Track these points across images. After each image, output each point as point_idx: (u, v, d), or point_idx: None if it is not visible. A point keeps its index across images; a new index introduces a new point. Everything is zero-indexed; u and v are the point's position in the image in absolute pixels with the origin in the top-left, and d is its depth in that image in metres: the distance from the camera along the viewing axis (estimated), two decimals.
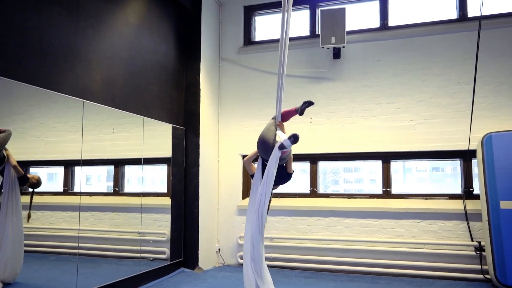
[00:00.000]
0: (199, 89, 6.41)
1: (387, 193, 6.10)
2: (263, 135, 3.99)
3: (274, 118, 4.22)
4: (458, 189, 5.88)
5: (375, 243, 5.91)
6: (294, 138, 3.60)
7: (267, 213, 4.04)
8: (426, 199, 5.88)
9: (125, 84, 5.23)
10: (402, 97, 6.06)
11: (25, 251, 5.73)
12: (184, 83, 6.54)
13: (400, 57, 6.12)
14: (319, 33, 6.23)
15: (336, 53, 6.30)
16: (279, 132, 3.97)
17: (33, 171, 6.31)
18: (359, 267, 5.88)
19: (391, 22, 6.31)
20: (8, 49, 3.70)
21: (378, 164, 6.29)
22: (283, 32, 4.20)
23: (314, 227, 6.26)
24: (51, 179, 6.59)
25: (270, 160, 3.70)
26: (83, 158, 5.63)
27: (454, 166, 6.24)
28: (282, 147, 3.64)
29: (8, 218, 4.73)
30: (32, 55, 3.93)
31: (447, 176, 6.47)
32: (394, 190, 6.11)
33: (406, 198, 5.99)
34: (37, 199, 6.32)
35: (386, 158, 6.16)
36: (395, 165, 6.23)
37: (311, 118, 6.43)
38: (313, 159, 6.51)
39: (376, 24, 6.37)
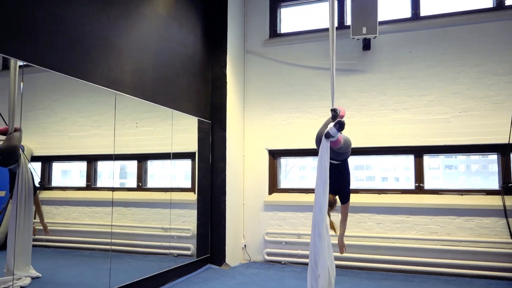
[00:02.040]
0: (225, 82, 6.28)
1: (419, 189, 5.91)
2: (319, 131, 3.86)
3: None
4: (484, 185, 5.68)
5: (408, 240, 5.73)
6: (339, 125, 3.40)
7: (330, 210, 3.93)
8: (462, 194, 5.68)
9: (155, 76, 5.12)
10: (435, 89, 5.86)
11: (50, 247, 5.68)
12: (210, 76, 6.41)
13: (433, 48, 5.92)
14: (349, 23, 6.06)
15: (366, 45, 6.12)
16: (330, 124, 3.83)
17: (56, 166, 6.25)
18: (392, 265, 5.70)
19: (423, 12, 6.11)
20: (44, 38, 3.60)
21: (399, 160, 6.11)
22: (332, 23, 3.99)
23: None
24: (64, 175, 6.51)
25: (320, 152, 3.54)
26: (107, 152, 5.54)
27: (468, 164, 6.05)
28: (328, 135, 3.46)
29: (20, 215, 4.64)
30: (67, 45, 3.83)
31: (459, 174, 6.26)
32: (409, 185, 5.92)
33: (440, 194, 5.79)
34: (60, 194, 6.27)
35: (418, 152, 5.96)
36: (405, 162, 6.04)
37: None
38: None
39: (408, 14, 6.17)
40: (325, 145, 3.50)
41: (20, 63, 3.65)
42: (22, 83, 3.83)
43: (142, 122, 6.33)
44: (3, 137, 4.26)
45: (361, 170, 6.57)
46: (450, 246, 5.52)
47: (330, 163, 3.89)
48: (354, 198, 6.06)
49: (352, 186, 6.23)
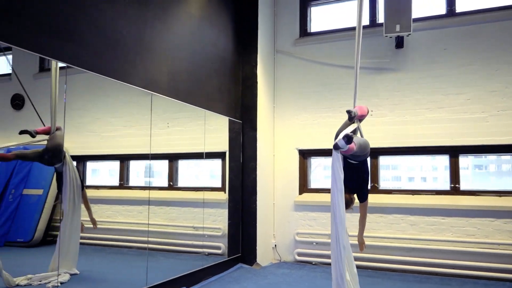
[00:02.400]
0: (256, 82, 6.30)
1: (455, 190, 5.77)
2: (337, 131, 3.85)
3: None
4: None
5: (443, 242, 5.60)
6: (347, 139, 3.36)
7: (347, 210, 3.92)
8: (500, 196, 5.51)
9: (188, 77, 5.18)
10: (472, 87, 5.70)
11: (86, 244, 5.82)
12: (241, 76, 6.44)
13: (469, 45, 5.76)
14: (381, 21, 5.97)
15: (399, 42, 6.02)
16: (346, 129, 3.81)
17: (90, 165, 6.41)
18: (427, 267, 5.58)
19: (459, 8, 5.95)
20: (84, 40, 3.70)
21: (427, 160, 5.98)
22: (359, 22, 3.96)
23: (376, 224, 6.01)
24: (98, 174, 6.67)
25: (332, 163, 3.50)
26: (140, 152, 5.63)
27: (498, 164, 5.87)
28: (336, 147, 3.43)
29: (70, 212, 4.77)
30: (107, 47, 3.92)
31: (490, 174, 6.06)
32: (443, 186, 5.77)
33: (477, 195, 5.63)
34: (94, 193, 6.42)
35: (454, 152, 5.81)
36: (435, 162, 5.89)
37: (371, 111, 6.17)
38: (374, 153, 6.24)
39: (443, 10, 6.02)
40: (336, 155, 3.46)
41: (61, 64, 3.76)
42: (65, 85, 3.94)
43: (173, 122, 6.41)
44: (46, 137, 4.40)
45: (386, 170, 6.45)
46: (488, 249, 5.35)
47: (349, 162, 3.86)
48: (387, 199, 6.00)
49: (383, 187, 6.19)
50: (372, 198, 6.01)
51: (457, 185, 5.76)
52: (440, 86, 5.85)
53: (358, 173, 3.90)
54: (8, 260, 4.14)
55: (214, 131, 6.27)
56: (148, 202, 5.42)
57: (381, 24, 6.02)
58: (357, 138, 3.80)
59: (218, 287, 5.02)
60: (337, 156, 3.49)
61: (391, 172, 6.53)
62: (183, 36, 5.11)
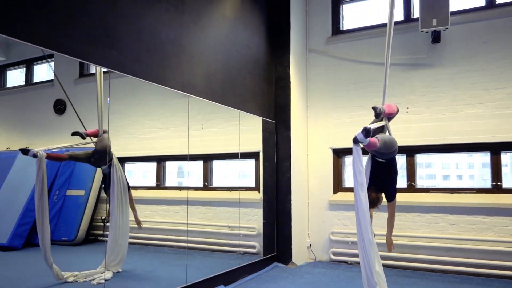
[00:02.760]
0: (289, 82, 6.31)
1: (497, 188, 5.57)
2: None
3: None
4: None
5: (485, 242, 5.42)
6: (366, 132, 3.29)
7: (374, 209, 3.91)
8: None
9: (223, 78, 5.26)
10: None
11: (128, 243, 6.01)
12: (274, 76, 6.47)
13: (510, 37, 5.55)
14: (417, 16, 5.84)
15: (436, 37, 5.87)
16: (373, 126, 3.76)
17: (128, 166, 6.61)
18: (467, 268, 5.42)
19: (499, 0, 5.75)
20: (124, 46, 3.83)
21: (462, 157, 5.79)
22: (391, 18, 3.91)
23: (413, 223, 5.90)
24: (135, 175, 6.86)
25: (353, 157, 3.45)
26: (175, 153, 5.75)
27: None
28: (355, 140, 3.37)
29: (118, 213, 4.94)
30: (146, 51, 4.04)
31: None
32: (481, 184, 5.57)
33: None
34: (132, 193, 6.62)
35: (495, 149, 5.62)
36: (471, 159, 5.67)
37: (407, 108, 6.06)
38: (410, 151, 6.13)
39: (481, 2, 5.83)
40: (355, 149, 3.40)
41: (104, 69, 3.91)
42: (109, 89, 4.09)
43: (207, 124, 6.52)
44: (95, 139, 4.60)
45: (420, 168, 6.29)
46: None
47: (376, 160, 3.82)
48: (424, 198, 5.87)
49: (420, 185, 6.06)
50: (409, 197, 5.94)
51: (499, 183, 5.56)
52: (480, 81, 5.67)
53: (386, 172, 3.85)
54: (54, 258, 4.34)
55: (248, 131, 6.33)
56: (187, 202, 5.54)
57: (416, 19, 5.89)
58: (382, 135, 3.75)
59: (255, 286, 5.07)
60: (357, 151, 3.43)
61: (425, 170, 6.39)
62: (218, 38, 5.20)
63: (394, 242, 5.33)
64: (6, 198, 5.28)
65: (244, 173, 6.93)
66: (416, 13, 6.14)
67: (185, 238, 6.23)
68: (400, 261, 5.80)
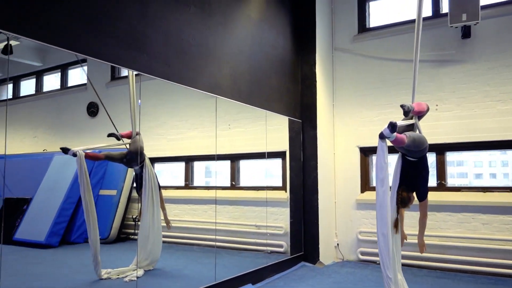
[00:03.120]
0: (315, 81, 6.30)
1: None
2: None
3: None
4: None
5: None
6: (392, 127, 3.29)
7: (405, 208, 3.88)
8: None
9: (249, 79, 5.31)
10: None
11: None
12: (300, 75, 6.48)
13: None
14: (446, 11, 5.72)
15: (466, 32, 5.72)
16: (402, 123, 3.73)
17: (158, 166, 6.77)
18: (502, 269, 5.26)
19: None
20: (153, 49, 3.94)
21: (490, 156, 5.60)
22: (419, 14, 3.86)
23: (444, 223, 5.78)
24: (165, 175, 7.01)
25: (377, 152, 3.45)
26: (204, 153, 5.83)
27: None
28: (381, 135, 3.39)
29: (149, 212, 5.08)
30: (174, 54, 4.14)
31: None
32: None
33: None
34: (163, 193, 6.77)
35: None
36: (506, 157, 5.49)
37: (436, 105, 5.94)
38: (440, 149, 6.01)
39: None
40: (381, 145, 3.42)
41: (135, 73, 4.04)
42: (140, 91, 4.22)
43: (234, 124, 6.60)
44: (129, 141, 4.76)
45: (451, 166, 6.14)
46: None
47: (407, 159, 3.77)
48: (455, 197, 5.74)
49: (451, 184, 5.93)
50: (440, 196, 5.83)
51: None
52: None
53: (417, 171, 3.80)
54: (89, 256, 4.50)
55: (274, 131, 6.37)
56: (215, 201, 5.64)
57: (445, 14, 5.77)
58: (411, 133, 3.71)
59: (283, 285, 5.10)
60: (382, 147, 3.45)
61: (456, 168, 6.24)
62: (244, 39, 5.26)
63: (425, 242, 5.20)
64: (43, 198, 5.53)
65: (271, 173, 6.97)
66: (445, 8, 6.02)
67: (213, 237, 6.34)
68: (431, 262, 5.69)
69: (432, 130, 5.79)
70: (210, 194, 6.74)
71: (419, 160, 3.80)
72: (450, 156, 6.07)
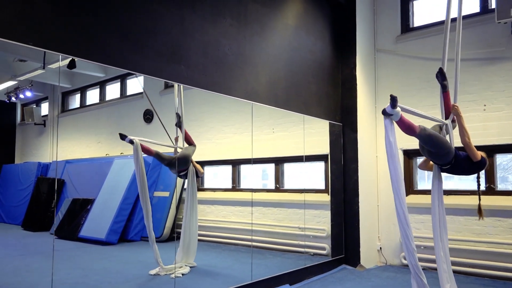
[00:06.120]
0: (355, 84, 6.30)
1: None
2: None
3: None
4: None
5: None
6: (392, 100, 3.26)
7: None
8: None
9: (286, 85, 5.46)
10: None
11: (205, 241, 6.51)
12: (340, 79, 6.51)
13: None
14: (494, 6, 5.47)
15: None
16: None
17: (207, 169, 7.13)
18: None
19: None
20: (193, 61, 4.23)
21: None
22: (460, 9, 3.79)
23: (493, 228, 5.52)
24: (213, 177, 7.34)
25: (385, 133, 3.45)
26: (247, 157, 6.06)
27: None
28: (384, 112, 3.38)
29: (189, 211, 5.42)
30: (211, 64, 4.42)
31: None
32: None
33: None
34: (211, 195, 7.13)
35: None
36: None
37: (484, 105, 5.70)
38: (489, 151, 5.72)
39: None
40: (385, 121, 3.44)
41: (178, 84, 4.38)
42: (181, 99, 4.55)
43: (278, 128, 6.78)
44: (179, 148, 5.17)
45: (502, 170, 5.80)
46: None
47: (442, 169, 3.76)
48: (505, 201, 5.48)
49: (500, 188, 5.64)
50: (488, 200, 5.59)
51: None
52: None
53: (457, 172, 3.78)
54: (144, 253, 4.89)
55: (317, 134, 6.45)
56: (251, 203, 5.86)
57: (493, 10, 5.52)
58: (431, 130, 3.63)
59: (320, 287, 5.17)
60: (386, 124, 3.44)
61: (507, 172, 5.90)
62: (281, 46, 5.41)
63: (471, 247, 5.03)
64: (105, 198, 6.08)
65: (314, 175, 7.05)
66: (493, 3, 5.75)
67: (259, 238, 6.56)
68: (479, 268, 5.46)
69: (479, 132, 5.57)
70: (255, 196, 6.97)
71: (451, 166, 3.72)
72: (500, 158, 5.78)
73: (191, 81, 4.21)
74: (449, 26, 4.03)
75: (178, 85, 4.35)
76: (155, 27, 3.89)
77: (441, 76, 3.82)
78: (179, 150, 5.29)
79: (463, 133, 3.65)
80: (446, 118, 3.95)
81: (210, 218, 6.84)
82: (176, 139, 5.27)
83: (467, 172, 3.82)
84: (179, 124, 5.14)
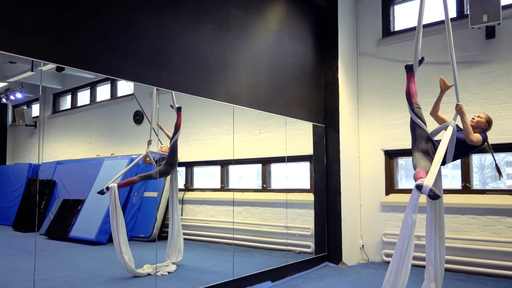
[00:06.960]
0: (337, 86, 6.48)
1: None
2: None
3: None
4: None
5: None
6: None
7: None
8: None
9: (268, 87, 5.63)
10: None
11: (194, 240, 6.65)
12: (323, 81, 6.69)
13: None
14: (468, 12, 5.67)
15: (490, 33, 5.65)
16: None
17: (196, 170, 7.28)
18: None
19: None
20: (174, 65, 4.40)
21: None
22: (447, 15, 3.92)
23: (468, 226, 5.73)
24: (202, 178, 7.48)
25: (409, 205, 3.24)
26: (236, 157, 6.23)
27: None
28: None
29: (172, 210, 5.61)
30: (193, 69, 4.58)
31: None
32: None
33: None
34: (200, 195, 7.27)
35: None
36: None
37: None
38: None
39: None
40: (414, 194, 3.16)
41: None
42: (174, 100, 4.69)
43: (265, 129, 6.94)
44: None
45: (476, 168, 6.01)
46: None
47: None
48: (480, 200, 5.67)
49: (475, 187, 5.84)
50: (464, 199, 5.80)
51: None
52: None
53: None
54: (133, 252, 5.02)
55: (302, 135, 6.63)
56: (233, 203, 5.99)
57: (468, 15, 5.73)
58: (419, 121, 3.89)
59: (301, 283, 5.35)
60: (415, 201, 3.16)
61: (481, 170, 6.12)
62: (263, 50, 5.58)
63: (448, 244, 5.18)
64: (95, 199, 6.19)
65: (300, 176, 7.23)
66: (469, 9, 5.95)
67: (245, 236, 6.72)
68: (454, 264, 5.67)
69: None
70: (244, 196, 7.13)
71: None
72: (475, 158, 5.98)
73: (172, 86, 4.36)
74: (421, 31, 4.17)
75: (156, 89, 4.48)
76: (137, 34, 4.04)
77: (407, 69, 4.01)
78: (149, 153, 5.40)
79: (467, 131, 3.73)
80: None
81: (200, 218, 6.99)
82: (149, 142, 5.37)
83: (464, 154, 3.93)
84: (178, 110, 5.31)
